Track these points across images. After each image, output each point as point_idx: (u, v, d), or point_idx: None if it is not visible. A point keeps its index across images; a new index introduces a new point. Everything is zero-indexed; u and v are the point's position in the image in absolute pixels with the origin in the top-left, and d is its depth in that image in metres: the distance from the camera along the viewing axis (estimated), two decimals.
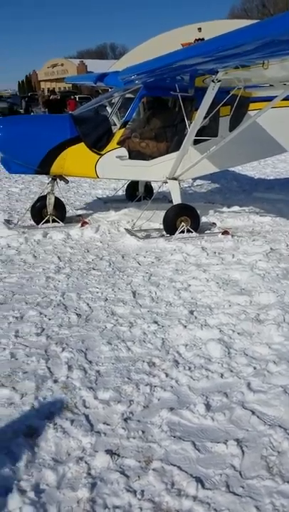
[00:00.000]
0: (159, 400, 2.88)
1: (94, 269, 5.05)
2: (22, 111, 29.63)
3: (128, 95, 6.78)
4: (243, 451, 2.43)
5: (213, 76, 5.09)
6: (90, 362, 3.27)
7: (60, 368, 3.20)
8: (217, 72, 5.00)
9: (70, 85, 33.27)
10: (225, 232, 6.05)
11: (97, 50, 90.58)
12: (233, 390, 2.95)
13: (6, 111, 33.60)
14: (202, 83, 5.78)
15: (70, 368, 3.19)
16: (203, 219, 6.57)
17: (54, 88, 39.93)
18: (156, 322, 3.83)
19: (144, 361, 3.26)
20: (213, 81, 5.11)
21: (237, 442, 2.49)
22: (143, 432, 2.61)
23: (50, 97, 19.77)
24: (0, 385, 3.02)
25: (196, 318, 3.90)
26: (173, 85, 5.84)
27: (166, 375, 3.11)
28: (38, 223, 6.57)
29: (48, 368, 3.20)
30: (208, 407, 2.79)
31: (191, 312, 4.00)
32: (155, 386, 2.99)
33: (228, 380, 3.06)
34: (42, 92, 21.17)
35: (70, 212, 7.30)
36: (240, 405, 2.80)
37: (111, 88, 7.57)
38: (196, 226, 6.10)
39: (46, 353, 3.39)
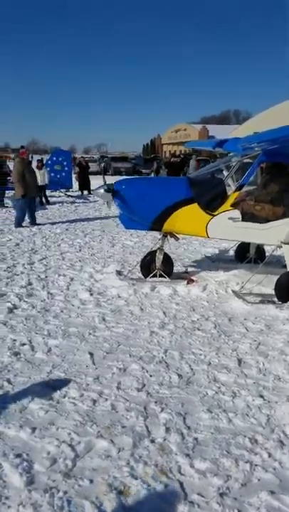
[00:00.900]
0: (259, 480, 2.68)
1: (198, 330, 5.01)
2: (150, 170, 31.45)
3: (245, 160, 6.90)
4: None
5: None
6: (189, 427, 3.18)
7: (158, 428, 3.16)
8: None
9: (191, 149, 35.24)
10: None
11: (221, 115, 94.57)
12: None
13: (130, 171, 36.41)
14: None
15: (167, 430, 3.14)
16: None
17: (175, 151, 42.35)
18: (262, 396, 3.61)
19: (245, 436, 3.08)
20: None
21: None
22: (239, 510, 2.44)
23: (171, 160, 20.95)
24: (99, 435, 3.07)
25: None
26: None
27: (269, 455, 2.89)
28: (145, 276, 6.80)
29: (146, 427, 3.18)
30: None
31: None
32: (256, 465, 2.79)
33: None
34: (171, 155, 22.53)
35: (179, 268, 7.44)
36: None
37: (228, 153, 7.79)
38: None
39: (145, 410, 3.38)
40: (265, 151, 6.12)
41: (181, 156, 25.79)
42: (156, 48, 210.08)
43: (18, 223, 11.57)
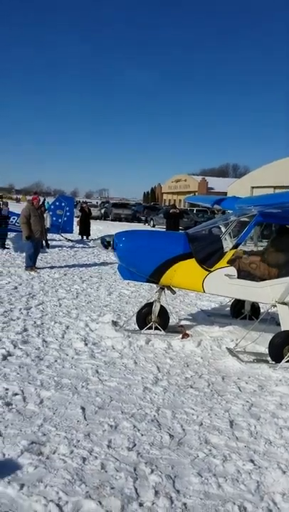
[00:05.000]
0: None
1: (192, 387, 5.00)
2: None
3: (243, 218, 7.15)
4: None
5: None
6: (178, 491, 3.15)
7: (147, 491, 3.13)
8: None
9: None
10: None
11: (220, 168, 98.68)
12: None
13: (130, 217, 37.09)
14: None
15: (156, 493, 3.11)
16: None
17: (175, 200, 43.59)
18: (252, 461, 3.59)
19: (234, 503, 3.05)
20: None
21: None
22: None
23: (170, 211, 21.39)
24: (88, 496, 3.03)
25: None
26: None
27: None
28: (141, 328, 6.85)
29: (135, 489, 3.15)
30: None
31: None
32: None
33: None
34: (171, 206, 23.36)
35: (174, 320, 7.49)
36: None
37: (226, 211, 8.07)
38: None
39: (135, 471, 3.36)
40: (261, 212, 6.36)
41: (179, 208, 26.69)
42: (163, 103, 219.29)
43: (28, 264, 11.65)
